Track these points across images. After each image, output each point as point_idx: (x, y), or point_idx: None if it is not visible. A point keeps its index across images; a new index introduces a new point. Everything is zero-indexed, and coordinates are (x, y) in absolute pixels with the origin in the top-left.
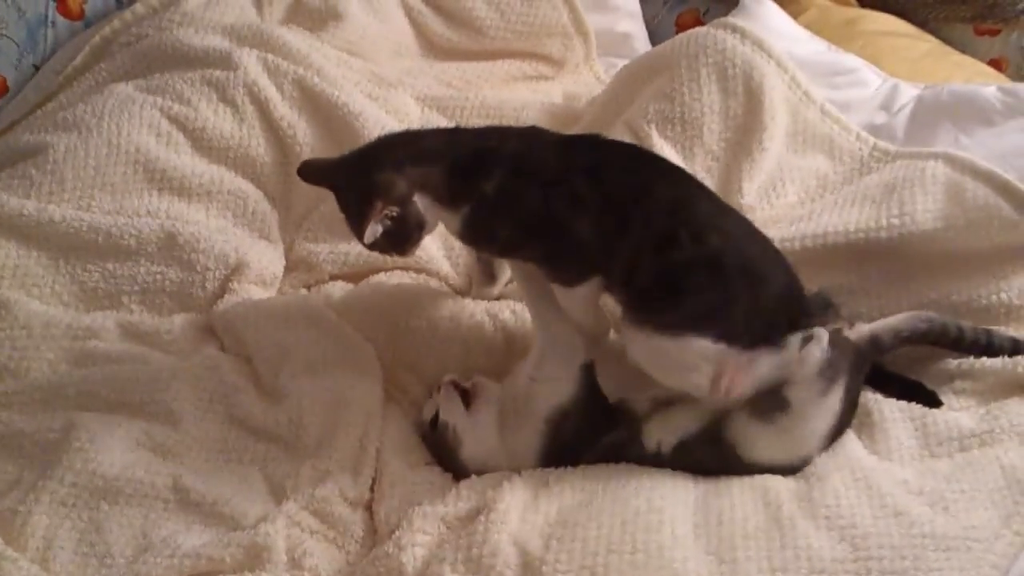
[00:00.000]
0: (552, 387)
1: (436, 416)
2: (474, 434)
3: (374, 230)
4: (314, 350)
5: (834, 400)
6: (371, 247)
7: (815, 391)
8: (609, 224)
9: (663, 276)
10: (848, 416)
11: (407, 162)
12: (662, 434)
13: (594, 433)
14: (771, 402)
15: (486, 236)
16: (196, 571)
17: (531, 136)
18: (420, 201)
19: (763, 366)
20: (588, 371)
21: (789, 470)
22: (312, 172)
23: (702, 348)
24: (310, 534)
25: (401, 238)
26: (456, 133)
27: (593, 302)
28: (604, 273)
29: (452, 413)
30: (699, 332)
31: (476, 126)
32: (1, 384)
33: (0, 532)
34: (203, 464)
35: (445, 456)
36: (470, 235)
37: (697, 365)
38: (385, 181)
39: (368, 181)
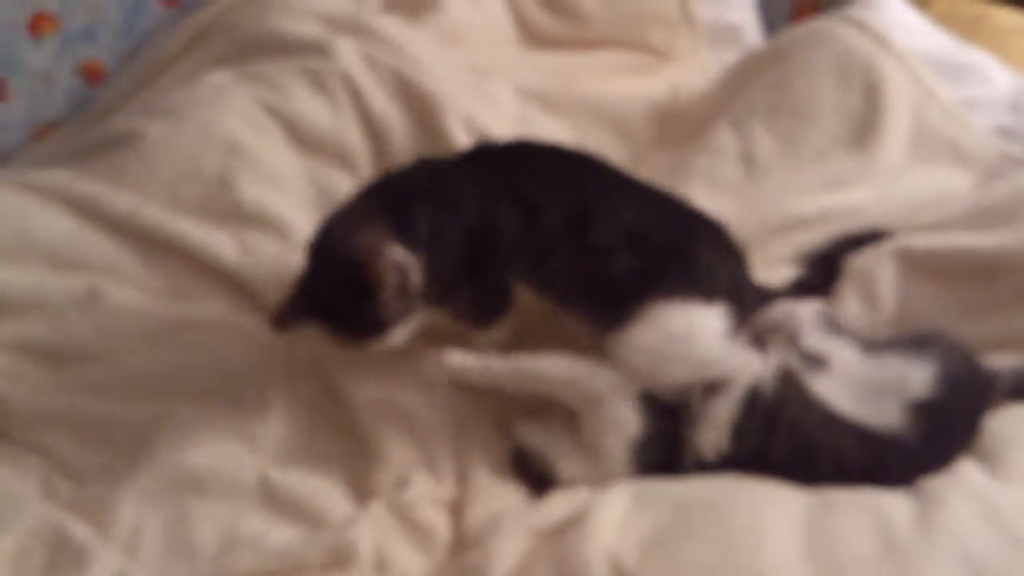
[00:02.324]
0: (616, 428)
1: (520, 447)
2: (565, 456)
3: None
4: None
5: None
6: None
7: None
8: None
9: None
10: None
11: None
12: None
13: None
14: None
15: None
16: (281, 569)
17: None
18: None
19: None
20: (644, 398)
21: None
22: (288, 320)
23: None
24: (396, 537)
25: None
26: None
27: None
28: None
29: (532, 437)
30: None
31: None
32: (92, 371)
33: (88, 520)
34: (290, 460)
35: (541, 485)
36: (432, 284)
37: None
38: (366, 241)
39: (352, 254)
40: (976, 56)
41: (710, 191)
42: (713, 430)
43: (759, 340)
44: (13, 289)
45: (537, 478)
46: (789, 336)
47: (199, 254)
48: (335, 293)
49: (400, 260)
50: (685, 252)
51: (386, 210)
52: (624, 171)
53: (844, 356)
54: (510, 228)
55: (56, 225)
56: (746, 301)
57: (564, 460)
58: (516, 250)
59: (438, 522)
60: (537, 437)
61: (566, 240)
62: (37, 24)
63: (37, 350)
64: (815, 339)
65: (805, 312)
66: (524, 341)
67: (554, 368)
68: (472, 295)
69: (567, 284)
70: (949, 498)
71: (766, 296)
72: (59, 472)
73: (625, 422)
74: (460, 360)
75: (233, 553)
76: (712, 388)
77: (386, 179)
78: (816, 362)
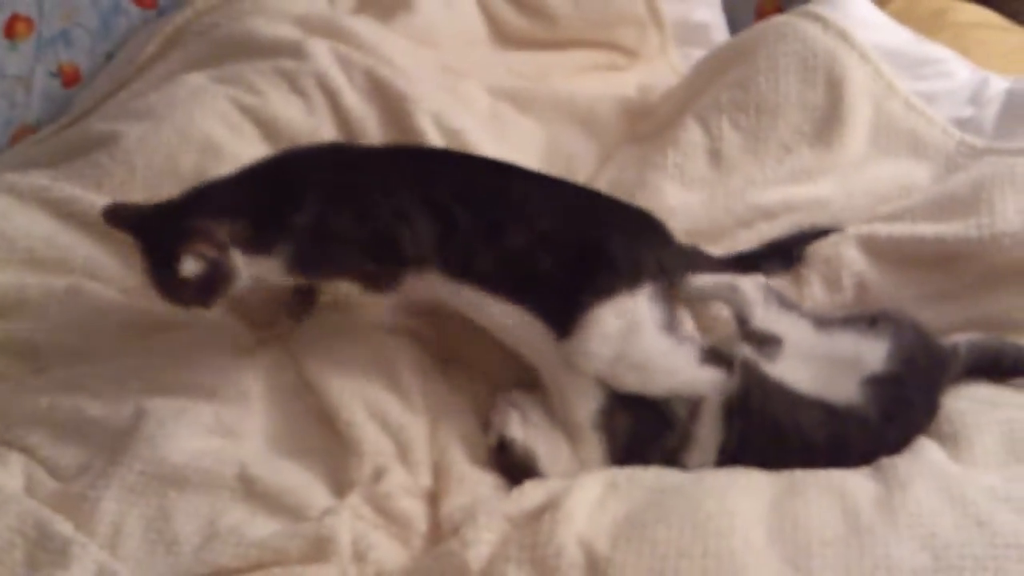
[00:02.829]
0: (581, 396)
1: (501, 438)
2: (546, 443)
3: (189, 267)
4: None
5: None
6: (173, 293)
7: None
8: (435, 227)
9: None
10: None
11: (222, 214)
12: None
13: (653, 430)
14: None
15: (315, 266)
16: (262, 561)
17: (338, 157)
18: (235, 256)
19: None
20: None
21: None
22: (119, 217)
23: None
24: (374, 528)
25: (210, 286)
26: (253, 178)
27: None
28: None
29: (513, 427)
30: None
31: (273, 158)
32: (73, 369)
33: (70, 516)
34: (269, 453)
35: (522, 476)
36: (300, 269)
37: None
38: (203, 226)
39: (184, 226)
40: (936, 50)
41: (679, 185)
42: (704, 452)
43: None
44: None
45: (516, 466)
46: (738, 316)
47: None
48: (162, 237)
49: (216, 258)
50: (605, 247)
51: (255, 195)
52: (540, 173)
53: (797, 333)
54: (424, 232)
55: (35, 226)
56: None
57: (543, 446)
58: (436, 253)
59: (415, 512)
60: (515, 426)
61: (485, 246)
62: (12, 27)
63: (18, 349)
64: (765, 317)
65: (749, 287)
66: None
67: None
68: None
69: (500, 283)
70: (913, 481)
71: (711, 265)
72: (41, 469)
73: (586, 390)
74: None
75: (214, 546)
76: (695, 410)
77: (287, 158)
78: (770, 342)
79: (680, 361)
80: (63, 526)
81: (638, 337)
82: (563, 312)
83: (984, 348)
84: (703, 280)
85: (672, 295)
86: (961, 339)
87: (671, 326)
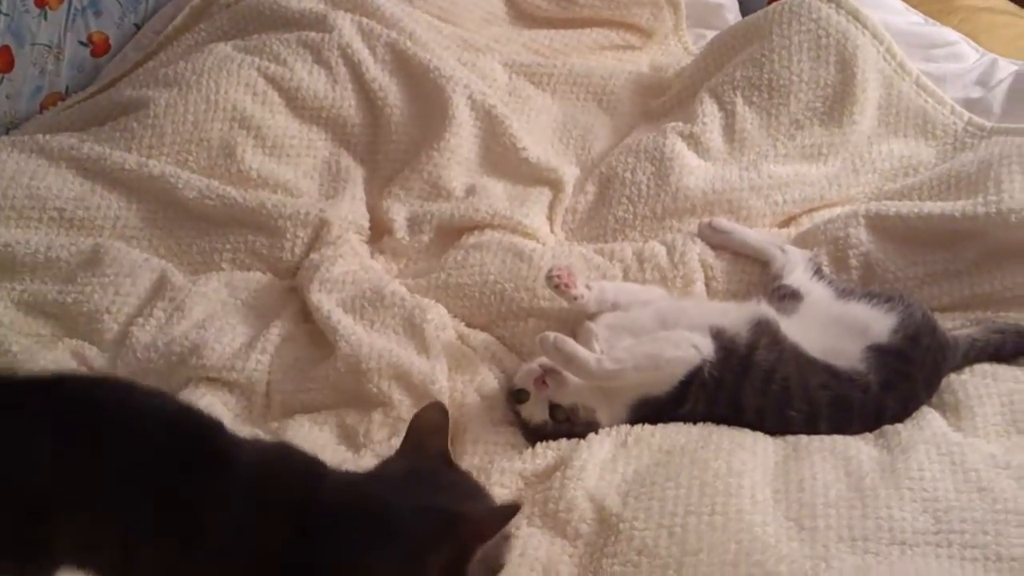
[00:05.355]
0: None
1: (554, 408)
2: (607, 404)
3: None
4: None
5: None
6: None
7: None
8: None
9: None
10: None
11: None
12: None
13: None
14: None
15: None
16: None
17: None
18: None
19: None
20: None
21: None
22: None
23: None
24: None
25: None
26: None
27: None
28: None
29: (568, 394)
30: None
31: None
32: (103, 327)
33: None
34: (280, 413)
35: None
36: None
37: None
38: None
39: None
40: (946, 32)
41: (695, 156)
42: None
43: None
44: (24, 249)
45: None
46: (775, 273)
47: (204, 201)
48: None
49: None
50: None
51: None
52: None
53: (818, 295)
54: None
55: (66, 187)
56: None
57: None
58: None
59: None
60: (568, 390)
61: None
62: None
63: (47, 308)
64: (797, 276)
65: (796, 251)
66: None
67: None
68: None
69: None
70: (916, 447)
71: None
72: None
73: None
74: None
75: None
76: None
77: None
78: (792, 297)
79: None
80: None
81: None
82: None
83: (984, 343)
84: (755, 234)
85: None
86: (961, 334)
87: None
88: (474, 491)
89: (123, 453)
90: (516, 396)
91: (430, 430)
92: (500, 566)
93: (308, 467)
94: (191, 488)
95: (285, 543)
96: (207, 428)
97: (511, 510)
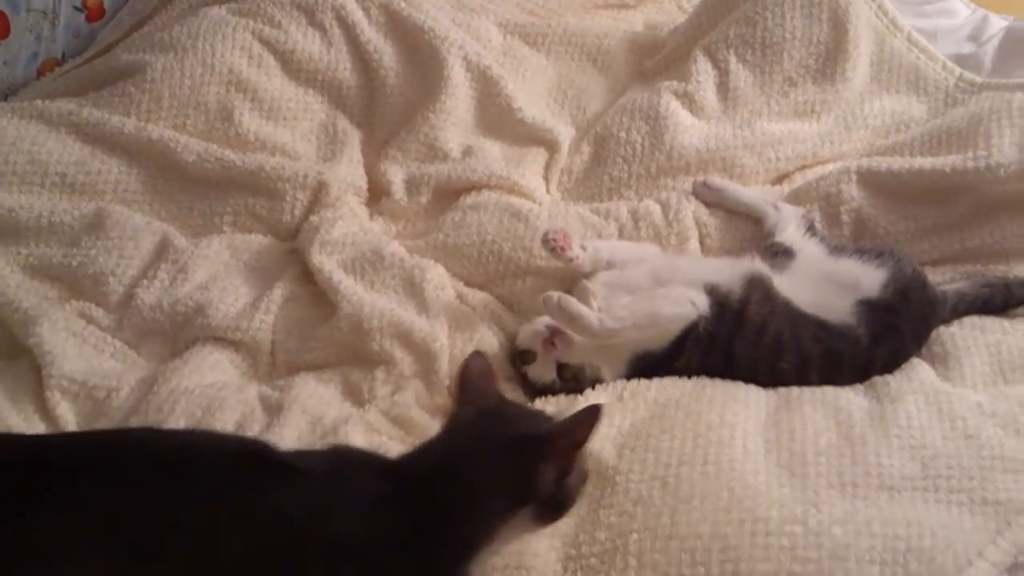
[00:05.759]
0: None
1: (561, 367)
2: (608, 361)
3: None
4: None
5: None
6: None
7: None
8: None
9: None
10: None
11: None
12: None
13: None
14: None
15: None
16: None
17: None
18: None
19: None
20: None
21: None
22: None
23: None
24: (388, 439)
25: None
26: None
27: None
28: None
29: (575, 354)
30: None
31: None
32: (108, 289)
33: None
34: (285, 372)
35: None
36: None
37: None
38: None
39: None
40: None
41: (689, 115)
42: None
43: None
44: (27, 214)
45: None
46: (768, 231)
47: (203, 164)
48: None
49: None
50: None
51: None
52: None
53: (810, 251)
54: None
55: (67, 152)
56: None
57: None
58: None
59: (430, 424)
60: (573, 350)
61: None
62: None
63: (53, 272)
64: (790, 234)
65: (789, 209)
66: None
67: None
68: None
69: None
70: (904, 397)
71: None
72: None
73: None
74: None
75: None
76: None
77: None
78: (784, 254)
79: None
80: None
81: None
82: None
83: (973, 297)
84: (749, 191)
85: None
86: (950, 288)
87: None
88: (540, 415)
89: (200, 492)
90: (522, 357)
91: (480, 375)
92: (586, 472)
93: (375, 457)
94: (281, 500)
95: (401, 515)
96: (262, 447)
97: (594, 412)
